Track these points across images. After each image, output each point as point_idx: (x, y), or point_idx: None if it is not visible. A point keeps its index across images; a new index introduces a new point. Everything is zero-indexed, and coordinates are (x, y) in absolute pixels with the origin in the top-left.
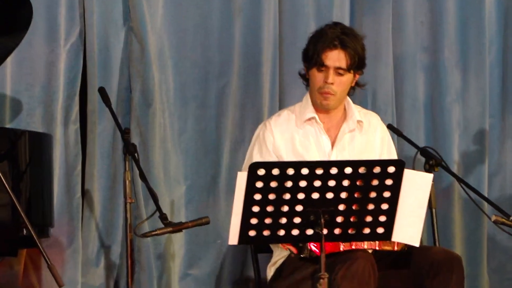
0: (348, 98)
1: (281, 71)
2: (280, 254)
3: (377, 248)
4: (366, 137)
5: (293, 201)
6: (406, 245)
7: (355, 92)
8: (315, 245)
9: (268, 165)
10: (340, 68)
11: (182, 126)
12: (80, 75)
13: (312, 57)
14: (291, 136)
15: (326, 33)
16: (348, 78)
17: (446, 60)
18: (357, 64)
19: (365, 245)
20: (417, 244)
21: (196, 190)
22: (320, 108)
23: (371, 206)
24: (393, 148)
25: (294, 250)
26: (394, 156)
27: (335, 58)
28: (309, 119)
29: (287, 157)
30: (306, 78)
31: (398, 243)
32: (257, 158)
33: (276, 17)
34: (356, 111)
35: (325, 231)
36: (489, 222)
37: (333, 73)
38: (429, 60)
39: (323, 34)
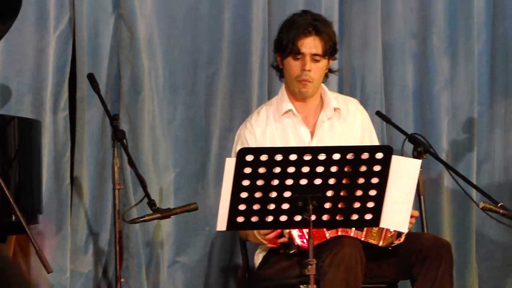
0: (323, 85)
1: (269, 59)
2: None
3: (362, 239)
4: (346, 125)
5: (281, 187)
6: (391, 244)
7: (328, 78)
8: (302, 240)
9: (257, 151)
10: (316, 54)
11: (171, 113)
12: (69, 62)
13: (287, 46)
14: (271, 131)
15: (298, 21)
16: (324, 64)
17: (435, 48)
18: (331, 49)
19: (352, 233)
20: (405, 230)
21: (185, 177)
22: (298, 96)
23: (359, 192)
24: (374, 132)
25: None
26: (375, 140)
27: (311, 44)
28: (286, 112)
29: None
30: (279, 69)
31: (384, 239)
32: None
33: (265, 5)
34: (333, 98)
35: (313, 217)
36: (478, 210)
37: (310, 60)
38: (418, 47)
39: (295, 22)
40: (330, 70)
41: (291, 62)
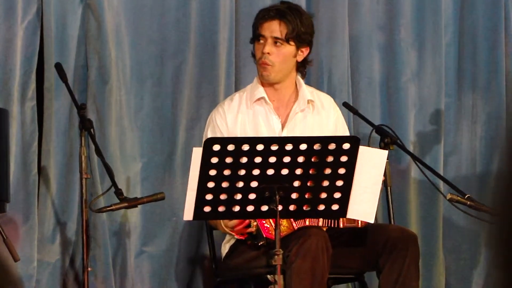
0: (299, 78)
1: (237, 51)
2: None
3: (341, 226)
4: (319, 118)
5: (248, 177)
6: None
7: (305, 70)
8: (270, 232)
9: (224, 141)
10: (277, 38)
11: (138, 103)
12: (37, 53)
13: (253, 32)
14: (243, 118)
15: (268, 8)
16: (288, 50)
17: (402, 40)
18: (296, 35)
19: (320, 222)
20: (372, 221)
21: (152, 167)
22: (262, 80)
23: (326, 183)
24: (347, 131)
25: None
26: None
27: (272, 28)
28: (259, 99)
29: None
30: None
31: (361, 220)
32: None
33: None
34: (308, 92)
35: (280, 208)
36: (445, 202)
37: (271, 43)
38: (385, 39)
39: (265, 8)
40: (306, 61)
41: (256, 46)
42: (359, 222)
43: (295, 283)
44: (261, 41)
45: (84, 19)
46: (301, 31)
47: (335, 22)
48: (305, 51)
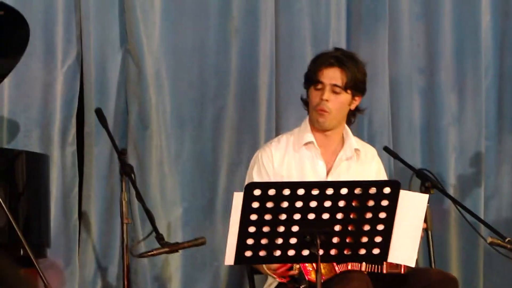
0: (346, 127)
1: (277, 94)
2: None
3: (384, 271)
4: (362, 167)
5: (289, 222)
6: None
7: (356, 119)
8: (313, 276)
9: (264, 186)
10: (335, 85)
11: (178, 148)
12: (77, 97)
13: (310, 76)
14: (289, 160)
15: (325, 54)
16: (345, 98)
17: (442, 83)
18: (354, 84)
19: (363, 267)
20: (412, 265)
21: (192, 212)
22: (316, 126)
23: (366, 227)
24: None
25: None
26: None
27: (331, 75)
28: (307, 144)
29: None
30: (306, 102)
31: (404, 266)
32: (256, 179)
33: (272, 40)
34: (354, 140)
35: (321, 252)
36: (485, 245)
37: (329, 90)
38: (425, 82)
39: (322, 54)
40: (358, 109)
41: (312, 92)
42: (402, 267)
43: None
44: (319, 87)
45: (124, 63)
46: (358, 80)
47: (375, 66)
48: (358, 100)
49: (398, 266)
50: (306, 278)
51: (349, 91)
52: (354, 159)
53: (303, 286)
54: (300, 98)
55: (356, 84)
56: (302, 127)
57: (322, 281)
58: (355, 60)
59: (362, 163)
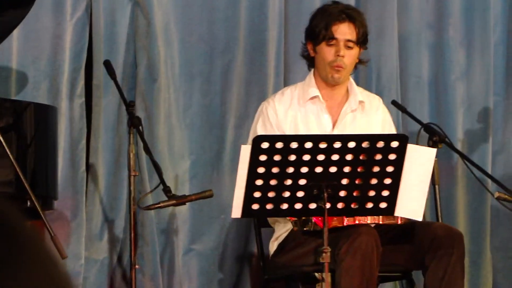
0: (351, 79)
1: (286, 49)
2: (282, 228)
3: (380, 222)
4: (367, 118)
5: (297, 175)
6: (408, 219)
7: (357, 69)
8: (320, 219)
9: (272, 139)
10: (350, 40)
11: (187, 101)
12: (86, 49)
13: (320, 32)
14: (294, 114)
15: (331, 9)
16: (356, 52)
17: (451, 39)
18: (364, 38)
19: (369, 220)
20: (420, 219)
21: (200, 165)
22: (331, 82)
23: (374, 181)
24: (394, 129)
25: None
26: None
27: (345, 31)
28: (312, 98)
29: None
30: (309, 58)
31: (401, 217)
32: (261, 132)
33: None
34: (359, 91)
35: (328, 205)
36: (493, 200)
37: (343, 46)
38: (434, 38)
39: (327, 10)
40: (361, 61)
41: (324, 48)
42: (399, 219)
43: (345, 281)
44: (332, 43)
45: (133, 16)
46: (366, 33)
47: (384, 21)
48: (362, 51)
49: (394, 217)
50: (313, 220)
51: (358, 45)
52: (359, 110)
53: (307, 228)
54: (302, 55)
55: (365, 37)
56: (306, 81)
57: (329, 228)
58: (360, 13)
59: (368, 114)
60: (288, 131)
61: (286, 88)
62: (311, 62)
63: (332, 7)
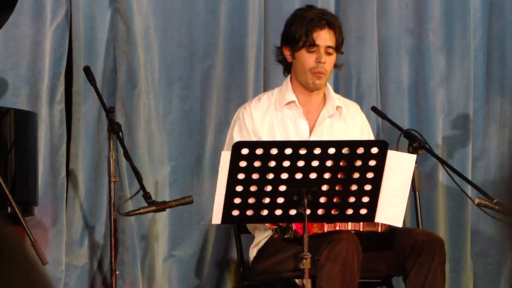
0: (328, 84)
1: (265, 54)
2: (262, 235)
3: (361, 229)
4: (345, 124)
5: (277, 181)
6: (389, 226)
7: (336, 74)
8: (300, 226)
9: (252, 145)
10: (330, 47)
11: (166, 107)
12: (65, 55)
13: (300, 39)
14: (271, 119)
15: (308, 15)
16: (335, 57)
17: (431, 44)
18: (341, 43)
19: (349, 226)
20: (400, 225)
21: (180, 171)
22: (312, 88)
23: (354, 187)
24: (372, 136)
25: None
26: None
27: (326, 37)
28: (289, 103)
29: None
30: (286, 63)
31: (381, 224)
32: (237, 138)
33: (261, 0)
34: (336, 97)
35: (308, 212)
36: (473, 206)
37: (324, 53)
38: (414, 43)
39: (305, 16)
40: (336, 65)
41: (304, 54)
42: (380, 226)
43: (326, 287)
44: (313, 50)
45: (113, 22)
46: (342, 38)
47: (364, 26)
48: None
49: (375, 224)
50: (293, 228)
51: (337, 50)
52: (337, 116)
53: (287, 235)
54: (278, 61)
55: (342, 43)
56: (283, 86)
57: (309, 235)
58: (337, 18)
59: (345, 120)
60: (265, 136)
61: (262, 94)
62: (288, 68)
63: (310, 13)
